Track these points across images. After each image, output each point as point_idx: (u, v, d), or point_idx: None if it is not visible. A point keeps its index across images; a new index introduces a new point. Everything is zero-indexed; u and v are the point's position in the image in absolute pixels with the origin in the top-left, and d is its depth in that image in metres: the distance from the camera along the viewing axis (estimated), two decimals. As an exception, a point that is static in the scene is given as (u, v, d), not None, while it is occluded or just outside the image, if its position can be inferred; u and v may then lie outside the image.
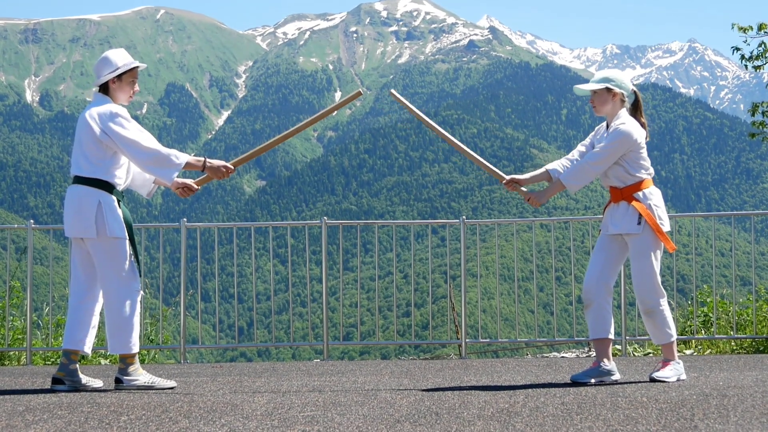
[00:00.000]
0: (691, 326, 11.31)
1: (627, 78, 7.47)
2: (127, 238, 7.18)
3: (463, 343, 10.94)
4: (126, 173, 7.40)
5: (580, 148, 7.58)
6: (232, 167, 7.75)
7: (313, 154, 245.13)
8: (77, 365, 7.20)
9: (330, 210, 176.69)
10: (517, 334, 12.50)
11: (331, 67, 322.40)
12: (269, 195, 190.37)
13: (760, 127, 19.21)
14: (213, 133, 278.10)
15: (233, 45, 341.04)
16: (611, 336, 7.31)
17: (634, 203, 7.21)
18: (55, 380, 7.14)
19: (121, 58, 7.31)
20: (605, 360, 7.25)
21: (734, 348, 10.82)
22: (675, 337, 7.35)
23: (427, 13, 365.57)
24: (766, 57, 18.89)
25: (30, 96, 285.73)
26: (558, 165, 7.54)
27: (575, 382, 7.20)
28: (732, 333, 10.89)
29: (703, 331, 11.24)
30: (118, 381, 7.15)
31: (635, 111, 7.47)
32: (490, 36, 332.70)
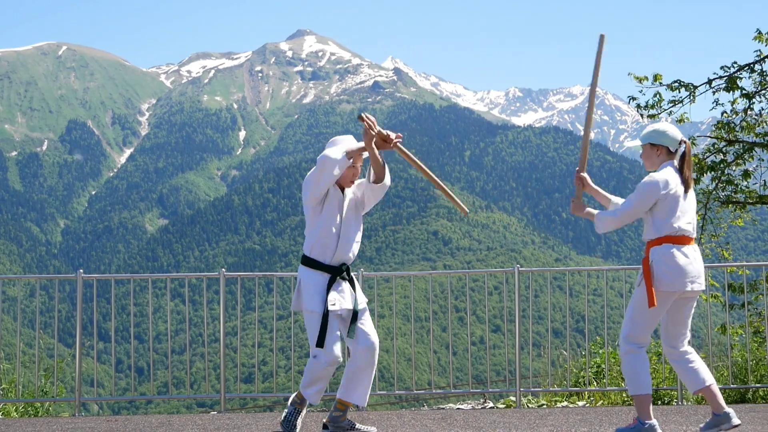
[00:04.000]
0: (584, 377, 11.50)
1: (673, 130, 7.46)
2: (323, 313, 7.43)
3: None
4: (332, 244, 7.54)
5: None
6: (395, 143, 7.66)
7: (216, 193, 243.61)
8: (343, 413, 7.69)
9: (233, 249, 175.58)
10: (414, 382, 12.52)
11: (235, 106, 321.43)
12: (171, 234, 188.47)
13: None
14: (115, 170, 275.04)
15: (136, 82, 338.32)
16: (710, 383, 7.24)
17: (644, 261, 7.31)
18: (324, 425, 7.81)
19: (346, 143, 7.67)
20: (721, 406, 7.22)
21: (625, 399, 11.01)
22: (642, 392, 7.21)
23: (332, 54, 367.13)
24: (661, 107, 19.41)
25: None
26: (613, 201, 7.67)
27: None
28: (623, 384, 11.09)
29: (595, 383, 11.44)
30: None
31: (681, 163, 7.45)
32: (394, 77, 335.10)
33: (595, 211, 7.54)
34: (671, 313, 7.39)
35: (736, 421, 7.25)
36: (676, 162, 7.45)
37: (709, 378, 7.29)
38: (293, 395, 7.72)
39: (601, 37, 7.69)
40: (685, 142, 7.47)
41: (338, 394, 7.62)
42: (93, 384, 11.68)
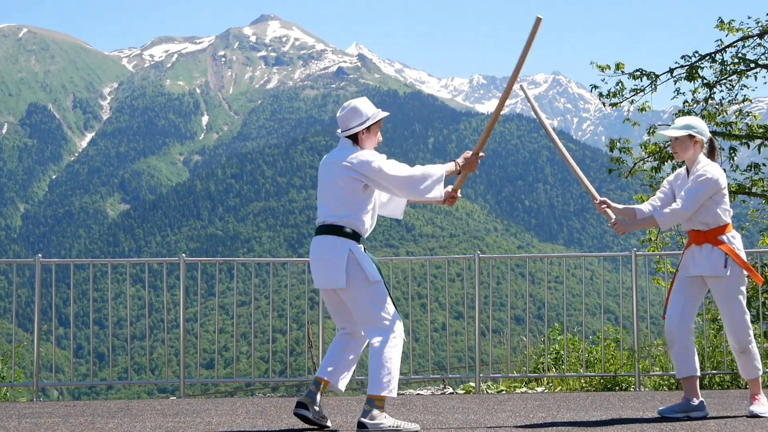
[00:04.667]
0: (543, 363, 11.57)
1: (705, 125, 7.71)
2: (383, 280, 7.01)
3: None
4: (371, 221, 7.22)
5: (660, 194, 7.77)
6: (478, 154, 7.54)
7: (178, 178, 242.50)
8: (320, 395, 7.07)
9: (195, 235, 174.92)
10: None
11: (198, 90, 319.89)
12: (133, 219, 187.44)
13: (617, 162, 19.85)
14: (76, 155, 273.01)
15: (98, 66, 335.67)
16: (698, 373, 7.55)
17: (721, 246, 7.44)
18: (299, 404, 6.98)
19: (370, 109, 7.13)
20: (694, 398, 7.52)
21: (583, 385, 11.10)
22: (762, 370, 7.70)
23: (296, 39, 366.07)
24: (623, 95, 19.54)
25: None
26: (645, 207, 7.73)
27: (663, 417, 7.49)
28: (582, 371, 11.18)
29: (554, 369, 11.53)
30: (361, 425, 6.75)
31: (710, 156, 7.71)
32: (359, 63, 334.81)
33: (650, 217, 7.59)
34: (701, 293, 7.65)
35: (707, 411, 7.57)
36: (705, 154, 7.70)
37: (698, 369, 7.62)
38: (374, 409, 6.75)
39: (538, 19, 7.48)
40: (711, 139, 7.74)
41: (328, 378, 7.08)
42: (52, 369, 11.53)
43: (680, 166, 19.39)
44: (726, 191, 7.53)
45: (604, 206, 7.75)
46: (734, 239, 7.52)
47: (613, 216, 7.77)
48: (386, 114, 7.24)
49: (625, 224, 7.67)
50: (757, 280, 7.54)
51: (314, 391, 6.98)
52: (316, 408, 7.02)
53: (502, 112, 7.84)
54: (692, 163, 7.61)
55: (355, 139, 7.10)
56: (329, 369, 7.07)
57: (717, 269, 7.44)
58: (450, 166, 7.33)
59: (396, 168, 6.96)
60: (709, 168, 7.47)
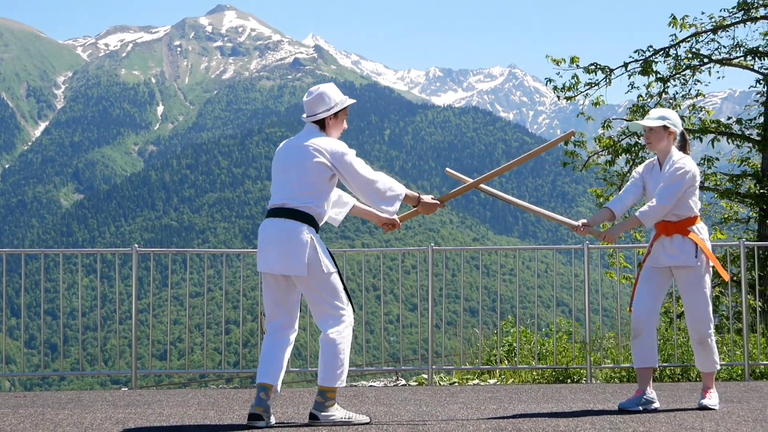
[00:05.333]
0: (495, 355, 11.62)
1: (679, 118, 7.76)
2: (338, 271, 6.84)
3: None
4: (328, 213, 7.07)
5: (630, 187, 7.75)
6: (441, 204, 7.40)
7: (133, 168, 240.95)
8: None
9: (150, 225, 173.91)
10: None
11: (153, 80, 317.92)
12: (87, 209, 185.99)
13: (572, 156, 20.00)
14: (29, 144, 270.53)
15: (52, 55, 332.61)
16: (657, 364, 7.65)
17: (690, 236, 7.48)
18: (253, 416, 6.60)
19: (338, 96, 6.97)
20: (648, 388, 7.55)
21: (535, 377, 11.16)
22: (719, 365, 7.74)
23: (252, 30, 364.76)
24: (578, 89, 19.68)
25: None
26: (620, 204, 7.69)
27: (624, 410, 7.45)
28: (534, 363, 11.24)
29: (506, 361, 11.57)
30: (313, 417, 6.64)
31: (683, 149, 7.74)
32: (315, 55, 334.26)
33: (633, 218, 7.62)
34: (667, 284, 7.71)
35: (658, 403, 7.65)
36: (677, 147, 7.74)
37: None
38: (327, 401, 6.67)
39: (570, 132, 8.01)
40: (683, 132, 7.78)
41: (272, 382, 6.74)
42: (3, 360, 11.37)
43: (634, 160, 19.50)
44: (698, 184, 7.60)
45: (585, 228, 7.74)
46: (702, 230, 7.60)
47: (598, 230, 7.80)
48: (353, 101, 7.12)
49: (612, 232, 7.67)
50: (724, 275, 7.66)
51: (264, 399, 6.66)
52: (269, 413, 6.72)
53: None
54: (664, 154, 7.64)
55: (321, 124, 6.97)
56: (273, 372, 6.78)
57: (688, 259, 7.49)
58: (413, 193, 7.21)
59: (364, 168, 6.86)
60: (686, 161, 7.53)
